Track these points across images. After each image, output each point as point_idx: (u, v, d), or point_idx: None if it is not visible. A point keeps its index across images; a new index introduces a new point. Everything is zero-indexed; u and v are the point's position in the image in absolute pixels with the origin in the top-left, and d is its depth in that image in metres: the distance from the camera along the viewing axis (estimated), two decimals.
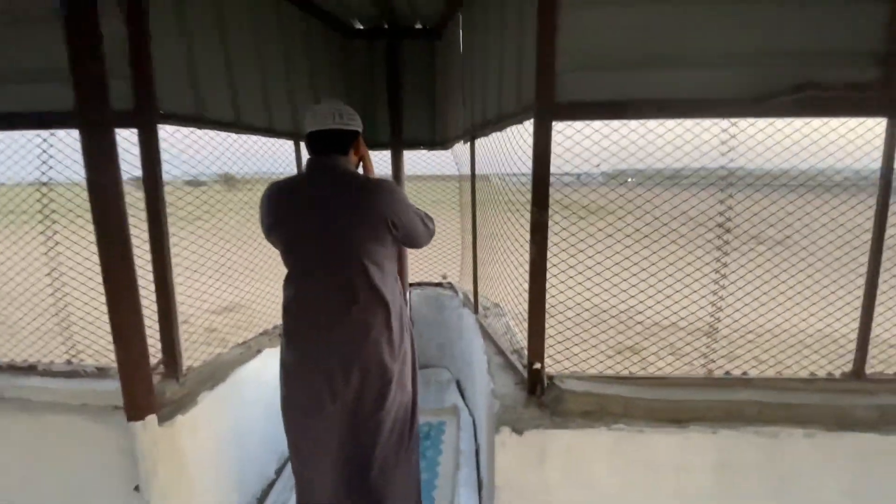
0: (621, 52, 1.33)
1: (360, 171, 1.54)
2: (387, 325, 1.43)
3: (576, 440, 1.35)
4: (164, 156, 1.53)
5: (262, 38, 2.02)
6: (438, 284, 3.09)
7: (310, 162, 1.39)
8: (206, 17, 1.69)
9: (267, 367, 1.85)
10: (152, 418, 1.37)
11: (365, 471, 1.50)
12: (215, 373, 1.71)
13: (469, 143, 2.30)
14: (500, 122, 1.75)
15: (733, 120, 1.37)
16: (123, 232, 1.28)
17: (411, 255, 3.09)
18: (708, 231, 1.55)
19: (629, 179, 1.62)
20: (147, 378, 1.36)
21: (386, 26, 2.72)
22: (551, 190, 1.40)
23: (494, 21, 1.80)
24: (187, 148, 1.74)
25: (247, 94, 1.93)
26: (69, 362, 1.64)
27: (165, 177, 1.56)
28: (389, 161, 2.84)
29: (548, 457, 1.36)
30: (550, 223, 1.39)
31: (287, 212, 1.36)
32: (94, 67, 1.20)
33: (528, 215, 1.42)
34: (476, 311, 2.41)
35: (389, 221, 1.34)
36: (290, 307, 1.42)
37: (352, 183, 1.35)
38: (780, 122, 1.37)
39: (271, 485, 1.98)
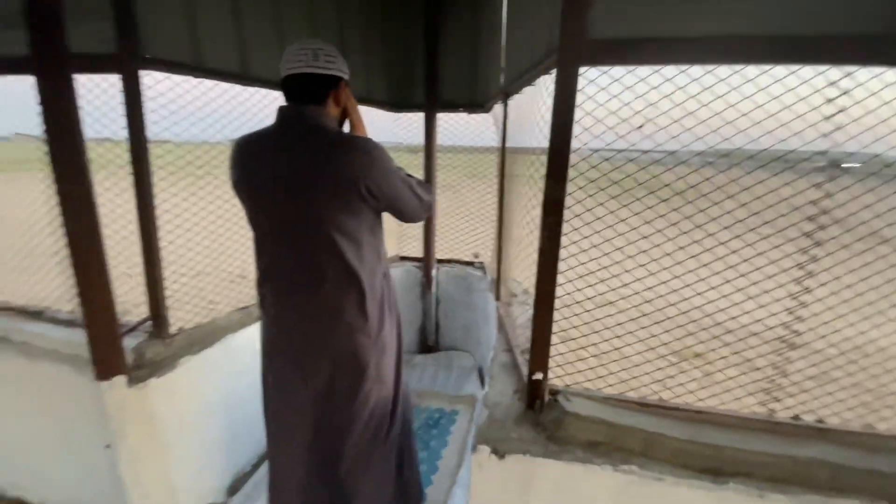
0: None
1: (347, 129, 1.32)
2: (361, 310, 1.24)
3: (570, 478, 1.07)
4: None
5: None
6: (469, 263, 2.84)
7: (280, 111, 1.19)
8: None
9: None
10: (120, 379, 1.32)
11: (336, 463, 1.36)
12: (205, 337, 1.64)
13: (503, 104, 1.98)
14: (529, 71, 1.43)
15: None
16: (85, 184, 1.18)
17: (442, 230, 2.86)
18: (804, 220, 1.12)
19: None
20: (114, 337, 1.31)
21: None
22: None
23: None
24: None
25: (260, 44, 1.77)
26: (73, 311, 1.67)
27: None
28: (423, 125, 2.58)
29: (533, 493, 1.10)
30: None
31: (253, 169, 1.18)
32: (48, 5, 1.08)
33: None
34: (498, 296, 2.15)
35: (363, 188, 1.12)
36: (260, 274, 1.27)
37: (322, 139, 1.13)
38: None
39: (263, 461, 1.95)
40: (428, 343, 2.85)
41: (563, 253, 1.12)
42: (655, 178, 1.19)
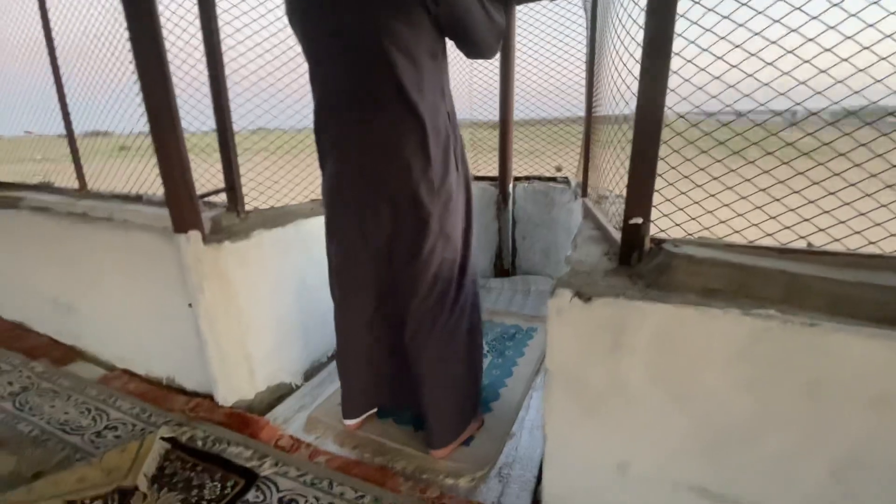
0: None
1: None
2: (422, 148, 1.10)
3: (678, 322, 0.84)
4: None
5: None
6: (551, 179, 2.58)
7: None
8: None
9: None
10: (195, 234, 1.35)
11: (401, 326, 1.27)
12: (278, 217, 1.65)
13: None
14: None
15: None
16: (160, 61, 1.20)
17: (522, 154, 2.63)
18: None
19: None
20: (191, 197, 1.33)
21: None
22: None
23: None
24: None
25: None
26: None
27: None
28: None
29: (627, 342, 0.89)
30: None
31: None
32: None
33: None
34: (585, 192, 1.89)
35: None
36: (316, 118, 1.19)
37: None
38: None
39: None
40: (504, 267, 2.67)
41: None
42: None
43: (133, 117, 1.70)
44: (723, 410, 0.86)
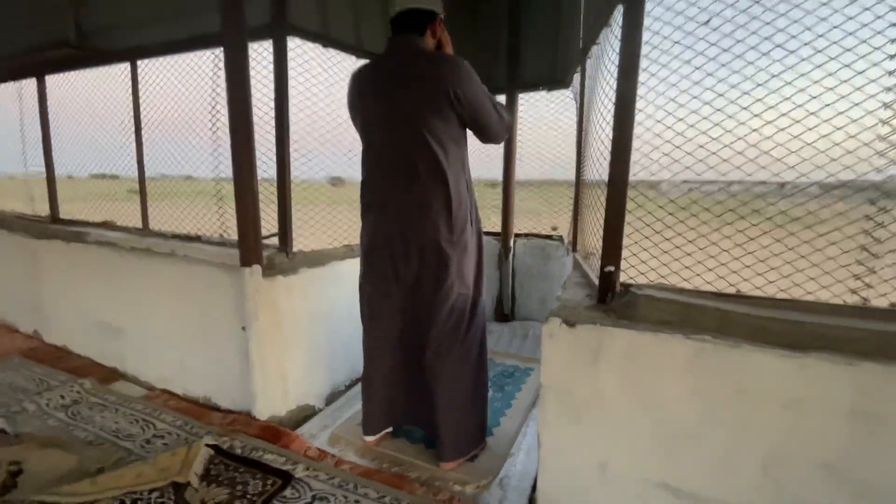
0: None
1: None
2: (446, 208, 1.44)
3: (640, 344, 1.13)
4: None
5: None
6: (547, 237, 2.93)
7: (388, 42, 1.48)
8: None
9: None
10: (257, 268, 1.65)
11: (421, 351, 1.53)
12: (318, 258, 1.96)
13: (580, 71, 2.13)
14: (602, 12, 1.58)
15: None
16: (248, 131, 1.59)
17: (522, 213, 3.01)
18: None
19: None
20: (257, 239, 1.66)
21: None
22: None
23: None
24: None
25: (371, 25, 2.16)
26: (221, 236, 2.09)
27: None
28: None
29: (603, 358, 1.17)
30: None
31: (365, 89, 1.48)
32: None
33: None
34: (574, 248, 2.21)
35: (452, 94, 1.34)
36: (364, 183, 1.54)
37: (420, 57, 1.40)
38: None
39: (358, 379, 2.18)
40: (504, 312, 2.94)
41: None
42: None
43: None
44: (676, 413, 1.12)
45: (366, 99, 1.48)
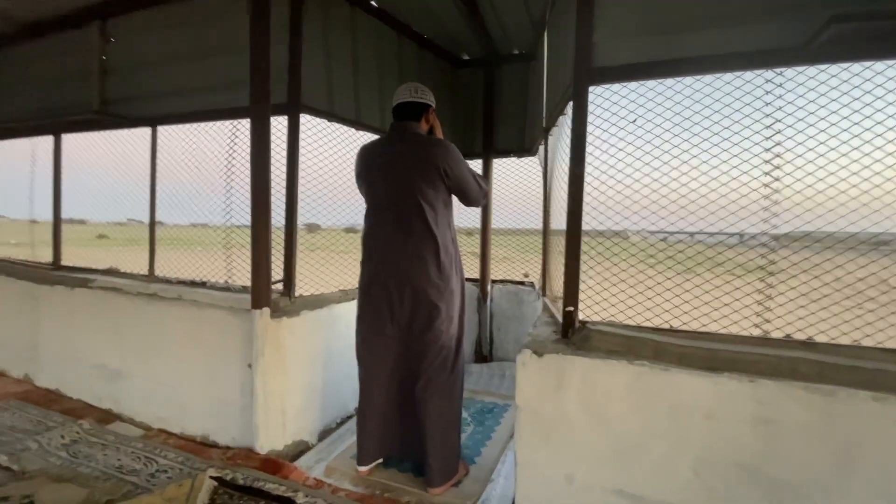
0: (656, 17, 1.48)
1: None
2: (435, 257, 1.72)
3: (593, 370, 1.39)
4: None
5: (384, 63, 2.65)
6: (520, 283, 3.23)
7: (390, 126, 1.83)
8: (343, 46, 2.35)
9: None
10: (266, 310, 1.87)
11: (412, 384, 1.75)
12: (317, 301, 2.18)
13: (544, 143, 2.54)
14: (559, 104, 1.98)
15: None
16: (266, 193, 1.87)
17: (497, 260, 3.33)
18: None
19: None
20: (267, 285, 1.88)
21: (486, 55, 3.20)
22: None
23: (564, 26, 2.08)
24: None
25: (368, 103, 2.54)
26: (226, 282, 2.30)
27: None
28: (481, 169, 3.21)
29: (565, 383, 1.42)
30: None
31: (370, 162, 1.80)
32: (262, 81, 1.86)
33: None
34: (544, 292, 2.51)
35: (441, 169, 1.68)
36: (366, 236, 1.82)
37: (417, 139, 1.74)
38: None
39: (348, 417, 2.34)
40: (483, 353, 3.17)
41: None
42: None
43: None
44: (623, 427, 1.37)
45: (371, 170, 1.79)
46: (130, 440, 2.07)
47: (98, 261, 2.91)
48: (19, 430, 2.12)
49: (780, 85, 1.42)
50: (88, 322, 2.50)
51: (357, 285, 1.88)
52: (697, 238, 1.61)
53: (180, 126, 2.54)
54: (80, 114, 2.62)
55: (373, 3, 2.54)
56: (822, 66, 1.37)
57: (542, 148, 2.76)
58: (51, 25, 2.82)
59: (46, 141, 3.06)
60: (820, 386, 1.21)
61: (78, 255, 3.02)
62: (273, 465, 1.84)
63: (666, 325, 1.55)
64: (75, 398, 2.54)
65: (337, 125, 2.36)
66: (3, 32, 3.05)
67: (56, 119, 2.76)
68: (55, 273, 2.78)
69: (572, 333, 1.57)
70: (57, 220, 2.96)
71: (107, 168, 2.95)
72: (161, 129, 2.60)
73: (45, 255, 3.07)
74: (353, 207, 2.37)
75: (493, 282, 3.25)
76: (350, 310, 2.29)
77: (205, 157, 2.48)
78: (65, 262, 2.98)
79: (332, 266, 2.46)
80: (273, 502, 1.62)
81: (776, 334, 1.46)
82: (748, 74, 1.44)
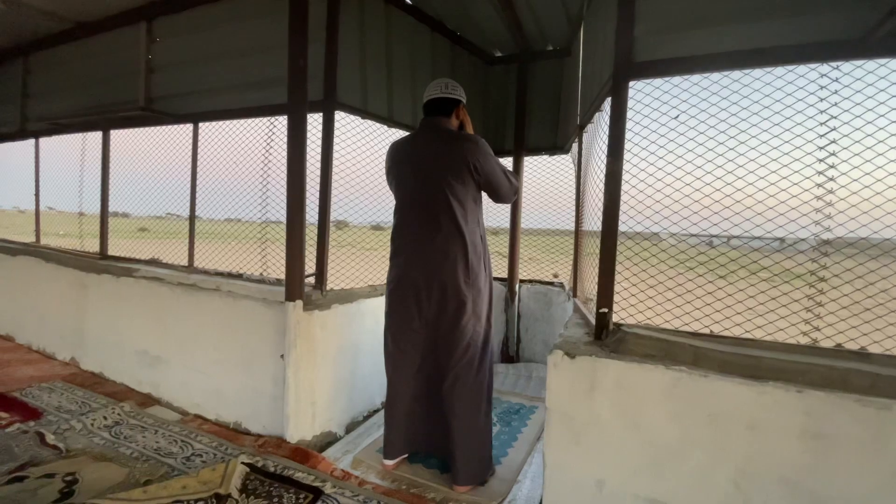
0: (701, 8, 1.43)
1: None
2: (463, 255, 1.71)
3: (628, 373, 1.35)
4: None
5: (418, 60, 2.66)
6: (549, 283, 3.18)
7: (421, 122, 1.83)
8: (377, 43, 2.37)
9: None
10: (299, 303, 1.90)
11: (439, 381, 1.75)
12: (347, 296, 2.21)
13: (578, 141, 2.49)
14: (595, 100, 1.93)
15: None
16: (301, 187, 1.91)
17: (523, 261, 3.30)
18: None
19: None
20: (301, 278, 1.92)
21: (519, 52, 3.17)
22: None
23: (603, 20, 2.03)
24: None
25: (401, 101, 2.55)
26: (261, 275, 2.36)
27: None
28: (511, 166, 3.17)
29: (598, 386, 1.39)
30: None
31: (401, 158, 1.81)
32: (299, 78, 1.89)
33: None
34: (575, 294, 2.46)
35: (471, 165, 1.66)
36: (395, 232, 1.83)
37: (447, 135, 1.73)
38: None
39: (375, 411, 2.36)
40: (510, 353, 3.14)
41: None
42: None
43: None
44: (659, 434, 1.32)
45: (401, 166, 1.80)
46: (168, 424, 2.15)
47: (140, 252, 3.05)
48: (65, 410, 2.24)
49: (836, 80, 1.34)
50: (132, 309, 2.62)
51: (385, 282, 1.89)
52: (733, 244, 1.54)
53: (218, 123, 2.63)
54: (128, 110, 2.75)
55: (408, 0, 2.55)
56: (882, 61, 1.29)
57: (575, 146, 2.71)
58: (100, 25, 2.96)
59: (94, 137, 3.22)
60: (874, 399, 1.14)
61: (122, 246, 3.17)
62: (302, 454, 1.88)
63: (705, 331, 1.49)
64: (118, 381, 2.67)
65: (368, 122, 2.38)
66: (54, 32, 3.23)
67: (105, 115, 2.90)
68: (102, 262, 2.93)
69: (606, 336, 1.53)
70: (104, 212, 3.11)
71: (147, 164, 3.09)
72: (201, 125, 2.69)
73: (92, 246, 3.23)
74: (381, 205, 2.40)
75: (522, 281, 3.21)
76: (378, 305, 2.32)
77: (242, 154, 2.55)
78: (110, 252, 3.13)
79: (360, 262, 2.49)
80: (302, 490, 1.65)
81: (826, 343, 1.38)
82: (801, 69, 1.37)
